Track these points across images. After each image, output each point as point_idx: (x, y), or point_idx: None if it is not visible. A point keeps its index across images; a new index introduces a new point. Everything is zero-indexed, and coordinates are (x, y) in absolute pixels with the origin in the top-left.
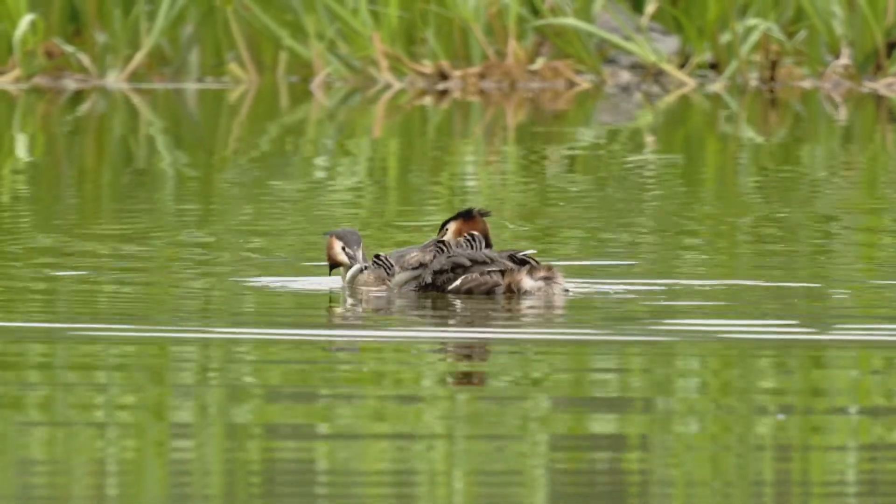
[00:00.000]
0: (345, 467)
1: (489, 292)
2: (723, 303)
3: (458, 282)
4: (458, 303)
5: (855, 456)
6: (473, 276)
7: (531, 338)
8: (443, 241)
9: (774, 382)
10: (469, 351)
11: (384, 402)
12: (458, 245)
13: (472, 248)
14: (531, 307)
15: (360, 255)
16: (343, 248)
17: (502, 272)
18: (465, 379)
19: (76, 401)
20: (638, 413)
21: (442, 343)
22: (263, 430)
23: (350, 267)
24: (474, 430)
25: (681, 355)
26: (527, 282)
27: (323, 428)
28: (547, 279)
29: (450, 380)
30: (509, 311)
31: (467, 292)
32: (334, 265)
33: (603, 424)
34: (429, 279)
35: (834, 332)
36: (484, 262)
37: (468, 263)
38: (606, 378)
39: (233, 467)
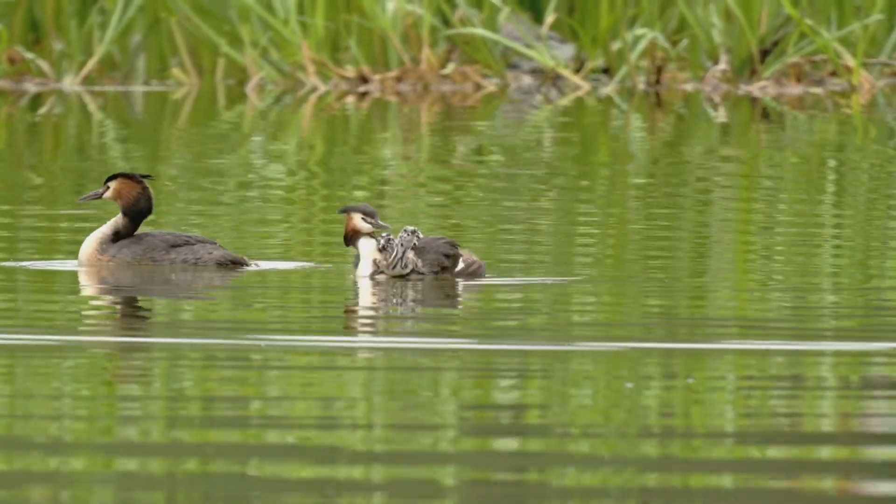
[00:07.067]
0: (276, 477)
1: (481, 274)
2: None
3: (462, 265)
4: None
5: (734, 467)
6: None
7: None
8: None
9: (659, 392)
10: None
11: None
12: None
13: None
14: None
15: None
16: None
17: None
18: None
19: None
20: (534, 428)
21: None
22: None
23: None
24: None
25: (573, 364)
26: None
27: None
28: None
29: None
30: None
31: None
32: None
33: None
34: (447, 262)
35: (713, 340)
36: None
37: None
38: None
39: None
